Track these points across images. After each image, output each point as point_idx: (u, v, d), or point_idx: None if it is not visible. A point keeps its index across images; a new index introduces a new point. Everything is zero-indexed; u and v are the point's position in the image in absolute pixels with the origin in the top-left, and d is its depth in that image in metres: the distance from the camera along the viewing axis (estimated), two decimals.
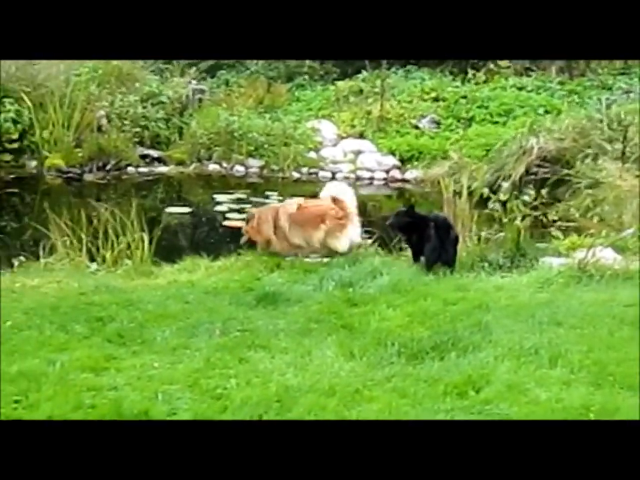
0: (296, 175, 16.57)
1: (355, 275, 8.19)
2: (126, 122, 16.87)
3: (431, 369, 5.96)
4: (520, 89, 18.33)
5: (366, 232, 9.70)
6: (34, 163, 16.17)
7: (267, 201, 13.61)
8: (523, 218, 9.21)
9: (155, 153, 17.05)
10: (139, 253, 9.04)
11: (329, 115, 18.32)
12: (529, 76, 18.92)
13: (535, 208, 9.72)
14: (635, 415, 5.13)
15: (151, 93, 17.68)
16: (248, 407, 5.29)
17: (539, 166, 14.03)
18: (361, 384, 5.70)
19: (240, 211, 12.98)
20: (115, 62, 17.58)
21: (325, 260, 8.99)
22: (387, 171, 16.84)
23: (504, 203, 9.40)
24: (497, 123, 17.24)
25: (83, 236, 9.07)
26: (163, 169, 16.90)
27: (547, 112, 17.02)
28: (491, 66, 18.89)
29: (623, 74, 18.57)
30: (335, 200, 9.04)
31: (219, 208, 14.01)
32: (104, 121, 16.84)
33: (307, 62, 20.22)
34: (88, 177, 16.11)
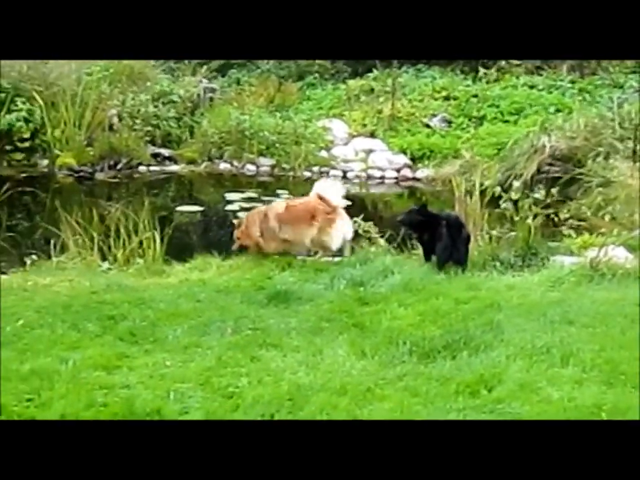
0: (307, 173, 16.56)
1: (367, 274, 8.19)
2: (137, 121, 16.89)
3: (443, 368, 5.96)
4: (531, 87, 18.30)
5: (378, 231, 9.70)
6: (45, 162, 16.22)
7: (277, 199, 13.59)
8: (535, 217, 9.19)
9: (166, 152, 17.08)
10: (150, 252, 9.06)
11: (340, 113, 18.31)
12: (540, 74, 18.87)
13: (547, 207, 9.69)
14: None
15: (163, 91, 17.69)
16: (260, 406, 5.30)
17: (550, 164, 14.03)
18: (372, 383, 5.71)
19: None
20: (126, 61, 17.59)
21: (336, 259, 9.00)
22: (398, 170, 16.82)
23: (515, 202, 9.36)
24: (508, 121, 17.22)
25: (95, 235, 9.08)
26: (174, 167, 16.93)
27: (558, 111, 16.98)
28: (502, 63, 18.85)
29: (634, 72, 18.50)
30: (320, 197, 9.04)
31: (230, 207, 14.02)
32: (115, 120, 16.87)
33: (318, 61, 20.20)
34: (99, 176, 16.15)
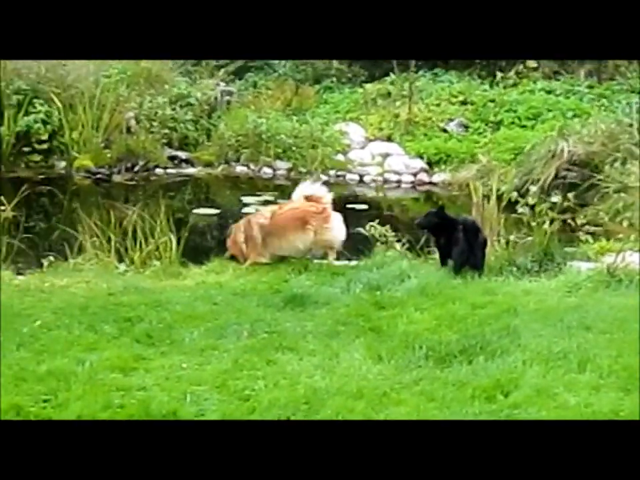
0: (324, 177, 16.51)
1: (383, 278, 8.18)
2: (154, 123, 16.91)
3: (459, 373, 5.95)
4: (548, 92, 18.23)
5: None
6: (63, 164, 16.25)
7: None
8: (552, 222, 9.17)
9: (183, 155, 17.10)
10: (167, 254, 9.08)
11: (356, 117, 18.29)
12: (558, 79, 18.81)
13: (564, 212, 9.68)
14: None
15: (180, 94, 17.71)
16: (276, 409, 5.31)
17: (567, 170, 13.99)
18: (388, 387, 5.71)
19: None
20: (144, 64, 17.64)
21: (353, 263, 8.99)
22: (415, 174, 16.79)
23: (532, 207, 9.35)
24: (525, 126, 17.16)
25: (112, 236, 9.11)
26: (190, 170, 16.94)
27: (575, 116, 16.93)
28: (520, 67, 18.81)
29: None
30: (308, 198, 9.00)
31: (246, 210, 14.01)
32: (133, 122, 16.91)
33: (335, 64, 20.22)
34: (116, 178, 16.18)
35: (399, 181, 16.76)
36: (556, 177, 13.94)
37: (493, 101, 18.01)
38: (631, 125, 14.44)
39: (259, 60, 19.68)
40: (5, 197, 9.91)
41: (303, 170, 16.63)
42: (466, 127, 17.67)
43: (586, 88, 18.34)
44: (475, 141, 17.06)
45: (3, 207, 9.83)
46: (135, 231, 9.18)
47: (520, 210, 9.41)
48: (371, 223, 9.65)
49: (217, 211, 14.25)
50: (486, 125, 17.57)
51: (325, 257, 9.09)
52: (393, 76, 19.06)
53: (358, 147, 17.45)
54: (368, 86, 19.15)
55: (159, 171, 16.67)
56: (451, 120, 17.77)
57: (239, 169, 17.00)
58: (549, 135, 15.14)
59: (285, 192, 15.11)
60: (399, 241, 9.62)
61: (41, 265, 8.96)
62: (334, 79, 20.15)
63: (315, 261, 9.00)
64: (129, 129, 16.82)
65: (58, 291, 7.86)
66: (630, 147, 13.78)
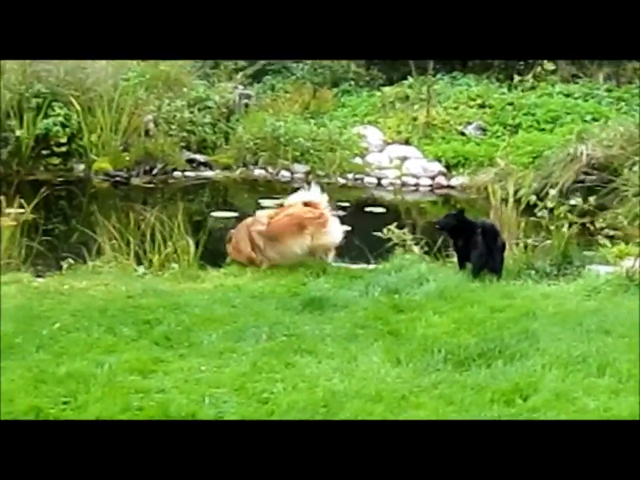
0: (342, 180, 16.56)
1: (401, 281, 8.17)
2: (173, 126, 16.94)
3: (478, 376, 5.94)
4: (567, 95, 18.20)
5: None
6: (82, 167, 16.30)
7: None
8: (570, 225, 9.16)
9: (201, 158, 17.13)
10: (185, 257, 9.09)
11: (374, 120, 18.29)
12: (576, 83, 18.79)
13: (583, 215, 9.66)
14: None
15: (198, 97, 17.74)
16: (294, 412, 5.30)
17: (586, 173, 13.95)
18: (407, 390, 5.70)
19: None
20: (162, 67, 17.69)
21: (371, 266, 8.99)
22: (433, 178, 16.79)
23: (551, 210, 9.34)
24: (543, 130, 17.14)
25: (131, 239, 9.13)
26: (209, 173, 16.97)
27: (594, 119, 16.89)
28: (538, 69, 18.76)
29: None
30: (306, 204, 9.01)
31: None
32: (151, 126, 16.95)
33: (353, 67, 20.23)
34: (135, 181, 16.22)
35: (416, 184, 16.75)
36: (575, 180, 13.90)
37: (511, 104, 17.96)
38: None
39: (277, 61, 19.72)
40: (24, 200, 9.96)
41: (321, 173, 16.63)
42: (484, 130, 17.65)
43: (605, 91, 18.30)
44: (493, 144, 17.03)
45: (22, 210, 9.88)
46: (153, 234, 9.19)
47: (539, 213, 9.40)
48: (389, 226, 9.64)
49: (235, 214, 14.24)
50: (504, 128, 17.52)
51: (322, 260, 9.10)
52: (411, 79, 19.07)
53: (376, 150, 17.45)
54: (386, 89, 19.15)
55: (177, 173, 16.70)
56: (469, 123, 17.76)
57: (257, 172, 17.02)
58: (568, 138, 15.10)
59: None
60: (417, 244, 9.62)
61: (60, 268, 8.98)
62: (352, 82, 20.17)
63: (334, 264, 9.00)
64: (147, 132, 16.86)
65: (77, 293, 7.88)
66: None
